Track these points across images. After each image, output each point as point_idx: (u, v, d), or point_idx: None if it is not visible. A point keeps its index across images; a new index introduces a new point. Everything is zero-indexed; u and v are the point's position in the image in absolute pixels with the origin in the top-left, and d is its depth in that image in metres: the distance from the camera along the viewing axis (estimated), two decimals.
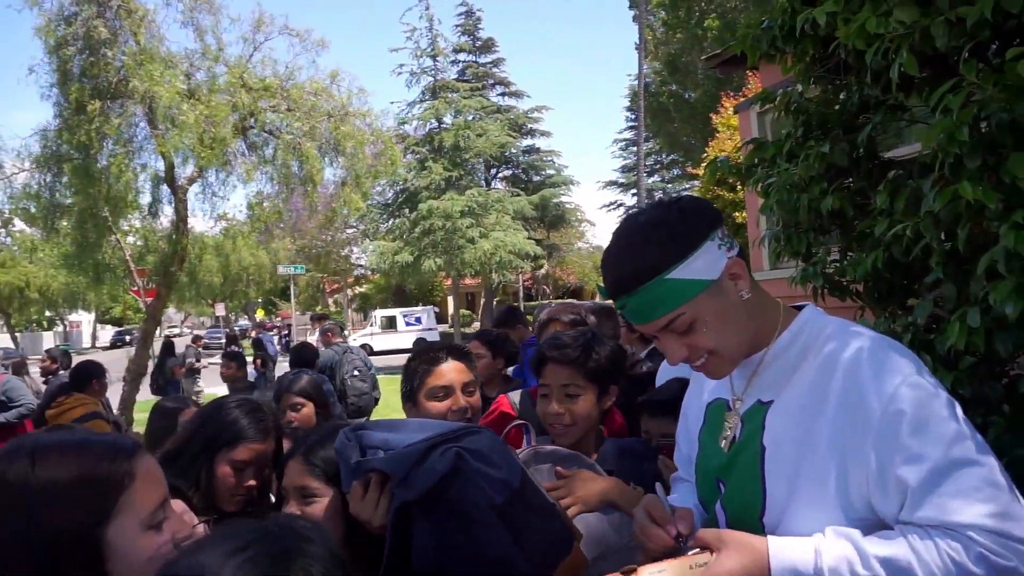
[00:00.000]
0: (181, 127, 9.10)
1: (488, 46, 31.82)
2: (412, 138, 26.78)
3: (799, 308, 1.34)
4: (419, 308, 29.88)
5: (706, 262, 1.21)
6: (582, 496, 1.67)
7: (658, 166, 35.01)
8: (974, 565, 1.05)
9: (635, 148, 27.16)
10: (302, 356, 5.96)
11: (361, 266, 35.34)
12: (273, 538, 0.73)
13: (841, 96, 2.76)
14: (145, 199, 11.48)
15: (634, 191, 31.57)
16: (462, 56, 31.20)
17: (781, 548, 1.13)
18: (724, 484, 1.33)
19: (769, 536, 1.16)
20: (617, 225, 1.33)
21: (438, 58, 28.34)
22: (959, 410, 1.14)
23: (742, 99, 10.31)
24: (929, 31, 1.75)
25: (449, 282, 30.43)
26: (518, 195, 28.87)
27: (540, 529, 1.32)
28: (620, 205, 37.23)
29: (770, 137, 3.59)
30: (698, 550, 1.16)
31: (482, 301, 33.17)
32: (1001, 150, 1.68)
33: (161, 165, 10.61)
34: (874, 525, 1.14)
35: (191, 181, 11.08)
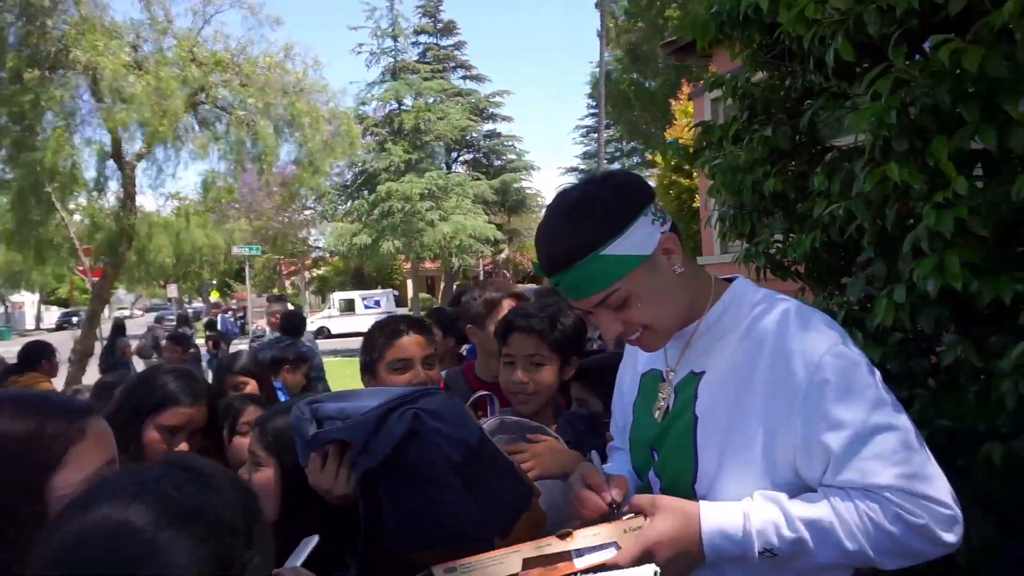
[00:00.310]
0: (129, 100, 8.80)
1: (449, 28, 31.49)
2: (371, 119, 26.42)
3: (730, 280, 1.38)
4: (378, 291, 29.62)
5: (640, 237, 1.23)
6: (545, 462, 1.71)
7: (618, 153, 35.20)
8: (890, 524, 1.12)
9: (596, 135, 27.26)
10: (292, 323, 5.93)
11: (319, 248, 34.81)
12: (182, 474, 0.76)
13: (786, 82, 2.83)
14: (90, 175, 11.10)
15: None
16: (423, 38, 30.81)
17: (711, 512, 1.18)
18: (657, 453, 1.37)
19: (700, 501, 1.21)
20: (550, 202, 1.34)
21: (399, 39, 27.96)
22: (878, 376, 1.20)
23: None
24: (862, 18, 1.81)
25: (408, 265, 30.22)
26: (479, 179, 28.76)
27: (498, 486, 1.33)
28: None
29: (721, 123, 3.66)
30: (632, 515, 1.20)
31: (442, 285, 33.05)
32: (926, 134, 1.75)
33: (108, 140, 10.27)
34: (799, 489, 1.20)
35: (139, 157, 10.75)
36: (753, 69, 2.86)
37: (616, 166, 35.01)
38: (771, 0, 2.08)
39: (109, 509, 0.71)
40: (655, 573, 1.01)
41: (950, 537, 1.13)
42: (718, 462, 1.24)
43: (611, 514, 1.22)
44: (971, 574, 1.84)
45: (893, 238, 1.96)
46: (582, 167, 37.23)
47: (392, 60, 27.69)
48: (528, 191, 32.98)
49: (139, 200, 11.23)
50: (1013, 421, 1.77)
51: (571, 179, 39.05)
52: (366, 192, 26.03)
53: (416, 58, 29.40)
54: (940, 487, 1.15)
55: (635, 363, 1.52)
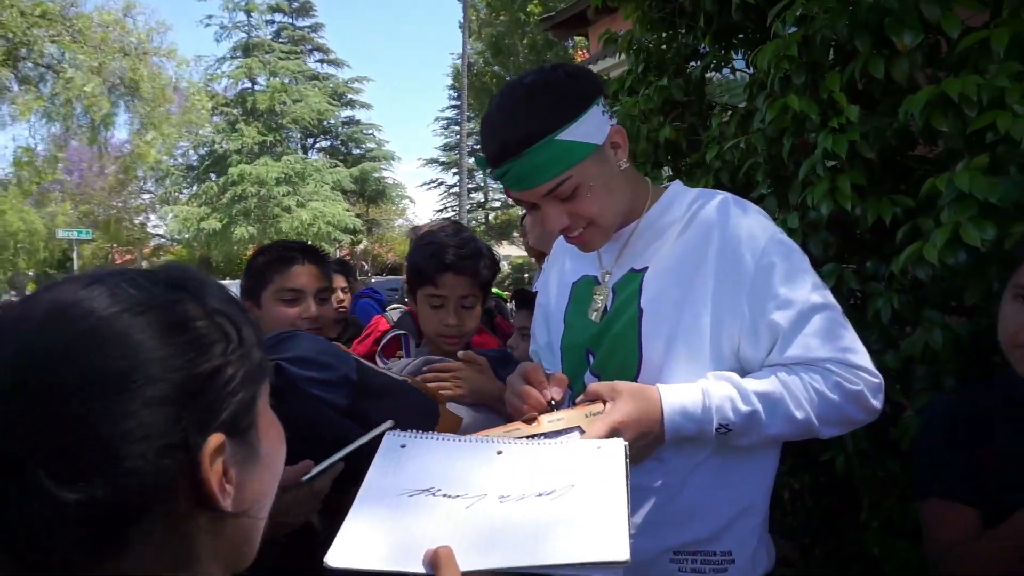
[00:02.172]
0: None
1: (306, 9, 30.21)
2: (221, 97, 24.73)
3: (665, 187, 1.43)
4: (227, 282, 27.78)
5: (592, 126, 1.23)
6: (467, 385, 1.66)
7: (480, 145, 35.51)
8: (831, 392, 1.21)
9: (457, 127, 27.35)
10: None
11: (159, 235, 32.06)
12: (161, 274, 0.66)
13: (675, 44, 2.97)
14: None
15: (455, 170, 31.82)
16: (278, 17, 29.31)
17: (671, 391, 1.21)
18: (594, 354, 1.38)
19: (658, 384, 1.23)
20: (499, 92, 1.31)
21: (252, 14, 26.37)
22: (808, 261, 1.30)
23: None
24: None
25: None
26: (337, 166, 27.85)
27: (398, 408, 1.27)
28: (441, 183, 37.31)
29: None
30: (589, 402, 1.19)
31: None
32: (822, 69, 1.90)
33: None
34: (742, 374, 1.25)
35: None
36: (643, 29, 2.97)
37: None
38: None
39: (58, 292, 0.60)
40: (624, 447, 1.01)
41: (877, 403, 1.25)
42: (664, 352, 1.28)
43: (549, 412, 1.21)
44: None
45: (788, 171, 2.11)
46: (443, 159, 37.17)
47: (245, 36, 26.08)
48: (388, 181, 32.42)
49: None
50: (883, 339, 1.96)
51: (431, 171, 38.92)
52: (214, 175, 24.35)
53: (270, 37, 27.91)
54: (868, 358, 1.26)
55: (561, 274, 1.52)
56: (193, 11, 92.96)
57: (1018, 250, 1.38)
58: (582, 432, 1.13)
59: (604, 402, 1.17)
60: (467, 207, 28.88)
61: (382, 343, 2.03)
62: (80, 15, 9.50)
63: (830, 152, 1.77)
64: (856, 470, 1.94)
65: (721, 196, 1.35)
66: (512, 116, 1.22)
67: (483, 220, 32.57)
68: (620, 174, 1.31)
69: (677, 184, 1.42)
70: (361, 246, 34.13)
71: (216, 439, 0.60)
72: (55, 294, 0.60)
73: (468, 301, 1.82)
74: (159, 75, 10.32)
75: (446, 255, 1.78)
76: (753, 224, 1.28)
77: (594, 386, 1.21)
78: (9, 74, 9.04)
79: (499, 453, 1.02)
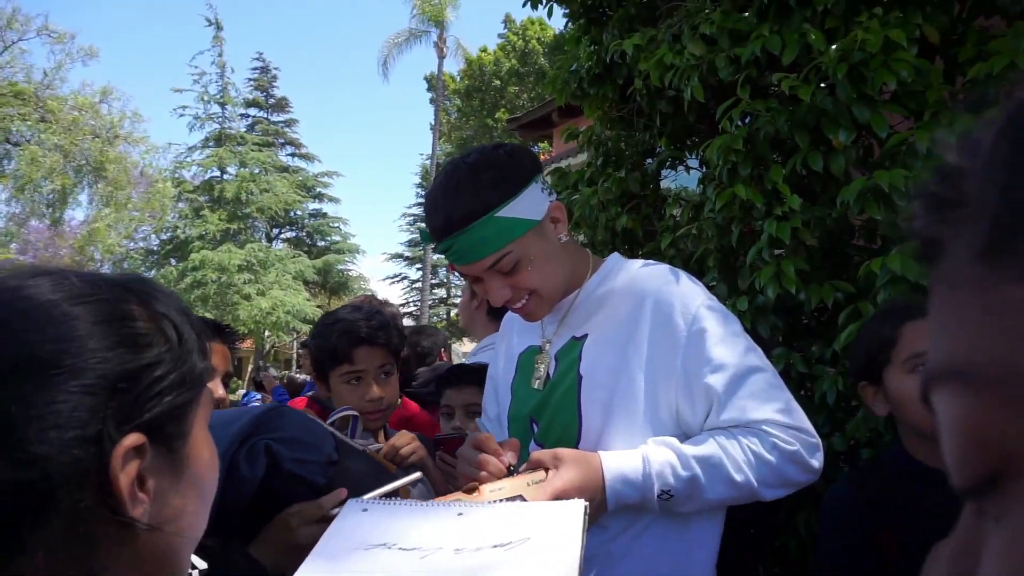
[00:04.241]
0: None
1: (282, 105, 31.08)
2: (188, 184, 24.85)
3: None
4: None
5: (532, 203, 1.29)
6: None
7: (424, 221, 35.97)
8: (768, 453, 1.23)
9: (423, 223, 27.86)
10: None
11: None
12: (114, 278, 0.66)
13: (632, 140, 3.16)
14: None
15: (419, 265, 32.11)
16: (253, 111, 30.08)
17: (612, 459, 1.22)
18: (538, 423, 1.39)
19: (600, 451, 1.24)
20: (441, 170, 1.38)
21: (227, 107, 27.03)
22: (740, 324, 1.35)
23: None
24: (714, 63, 2.10)
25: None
26: (301, 256, 27.85)
27: (357, 472, 1.29)
28: (404, 278, 37.50)
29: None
30: (531, 470, 1.19)
31: (250, 367, 30.85)
32: (766, 162, 2.04)
33: None
34: (681, 438, 1.27)
35: None
36: (603, 126, 3.16)
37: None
38: (635, 47, 2.35)
39: (3, 277, 0.60)
40: (584, 507, 1.02)
41: (815, 463, 1.27)
42: (603, 418, 1.30)
43: (509, 476, 1.22)
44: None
45: (735, 259, 2.21)
46: (407, 254, 37.57)
47: (218, 127, 26.58)
48: (351, 274, 32.45)
49: None
50: (830, 422, 2.01)
51: (395, 265, 39.23)
52: (174, 260, 24.09)
53: (244, 129, 28.51)
54: (804, 418, 1.29)
55: (508, 347, 1.56)
56: (168, 101, 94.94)
57: (881, 332, 1.43)
58: (524, 500, 1.12)
59: (546, 470, 1.18)
60: (429, 303, 28.95)
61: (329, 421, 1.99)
62: (53, 97, 9.66)
63: (775, 238, 1.88)
64: (810, 553, 1.93)
65: (656, 266, 1.41)
66: (455, 193, 1.28)
67: (445, 316, 32.59)
68: (560, 247, 1.37)
69: (615, 255, 1.49)
70: None
71: (134, 439, 0.58)
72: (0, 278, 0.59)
73: (386, 369, 1.83)
74: (125, 159, 10.41)
75: (359, 330, 1.79)
76: (686, 291, 1.34)
77: (537, 454, 1.22)
78: None
79: (459, 515, 1.02)
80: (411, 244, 37.53)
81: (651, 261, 1.43)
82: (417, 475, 1.16)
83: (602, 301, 1.38)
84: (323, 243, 31.56)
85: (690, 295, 1.32)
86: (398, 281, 38.09)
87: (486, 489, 1.14)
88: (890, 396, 1.40)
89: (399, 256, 38.49)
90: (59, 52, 9.96)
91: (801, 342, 2.19)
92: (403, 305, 35.44)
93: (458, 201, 1.26)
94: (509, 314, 1.56)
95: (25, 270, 0.61)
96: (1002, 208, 0.25)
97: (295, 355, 34.07)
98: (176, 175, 23.22)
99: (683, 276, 1.38)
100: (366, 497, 1.10)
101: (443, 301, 34.29)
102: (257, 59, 30.35)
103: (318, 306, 27.07)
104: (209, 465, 0.69)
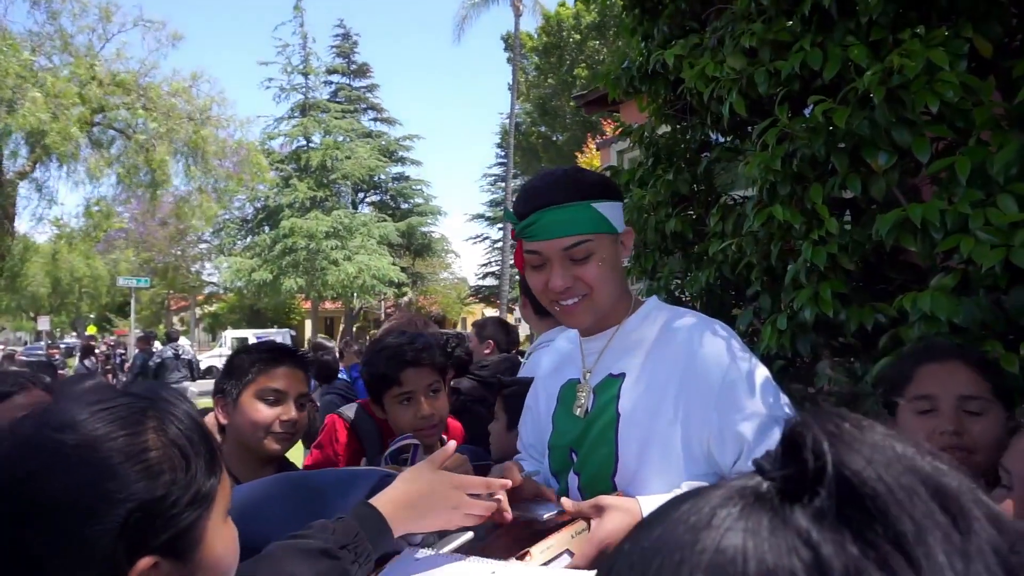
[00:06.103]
0: (27, 108, 8.22)
1: (363, 71, 31.61)
2: (277, 154, 25.89)
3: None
4: (274, 330, 28.48)
5: (618, 216, 1.41)
6: None
7: (514, 204, 35.93)
8: None
9: (503, 184, 27.94)
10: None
11: (213, 283, 33.22)
12: (136, 397, 0.74)
13: (686, 135, 3.12)
14: None
15: (500, 226, 32.29)
16: (335, 77, 30.75)
17: (651, 504, 1.29)
18: (577, 453, 1.48)
19: (638, 496, 1.32)
20: (539, 173, 1.47)
21: (310, 76, 27.76)
22: (769, 374, 1.40)
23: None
24: (753, 78, 2.07)
25: (308, 304, 29.38)
26: (385, 220, 28.61)
27: None
28: (486, 238, 37.88)
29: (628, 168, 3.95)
30: (572, 521, 1.28)
31: (341, 327, 32.28)
32: (805, 181, 2.01)
33: None
34: (714, 478, 1.34)
35: (21, 176, 10.07)
36: (658, 121, 3.13)
37: None
38: (676, 57, 2.32)
39: (43, 416, 0.70)
40: None
41: None
42: (638, 457, 1.38)
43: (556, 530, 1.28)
44: None
45: (777, 273, 2.20)
46: (488, 214, 37.85)
47: (302, 97, 27.39)
48: (434, 235, 33.08)
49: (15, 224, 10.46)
50: None
51: (477, 226, 39.58)
52: (267, 228, 25.31)
53: (327, 97, 29.24)
54: None
55: (546, 386, 1.65)
56: (254, 74, 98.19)
57: (901, 368, 1.43)
58: (571, 554, 1.21)
59: (588, 520, 1.27)
60: (510, 262, 29.18)
61: (398, 452, 2.07)
62: (150, 85, 10.26)
63: (811, 263, 1.87)
64: None
65: (691, 318, 1.46)
66: (560, 179, 1.39)
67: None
68: (621, 268, 1.46)
69: (654, 300, 1.54)
70: (406, 298, 34.71)
71: (147, 562, 0.64)
72: (41, 418, 0.69)
73: (434, 387, 1.93)
74: (219, 139, 10.97)
75: (404, 354, 1.89)
76: (719, 343, 1.39)
77: (578, 506, 1.30)
78: (83, 139, 9.78)
79: (492, 573, 1.12)
80: (492, 204, 37.75)
81: (686, 311, 1.49)
82: (469, 535, 1.21)
83: (639, 344, 1.46)
84: (406, 206, 32.24)
85: (721, 346, 1.39)
86: (480, 241, 38.53)
87: (535, 551, 1.21)
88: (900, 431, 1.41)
89: (480, 216, 38.86)
90: (151, 40, 10.49)
91: (843, 357, 2.17)
92: (485, 264, 35.89)
93: (562, 184, 1.37)
94: (544, 359, 1.65)
95: (66, 403, 0.71)
96: None
97: (383, 315, 35.30)
98: (265, 146, 24.18)
99: (718, 328, 1.44)
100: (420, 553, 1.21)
101: None
102: (338, 25, 30.90)
103: (402, 268, 27.89)
104: (229, 546, 0.77)
